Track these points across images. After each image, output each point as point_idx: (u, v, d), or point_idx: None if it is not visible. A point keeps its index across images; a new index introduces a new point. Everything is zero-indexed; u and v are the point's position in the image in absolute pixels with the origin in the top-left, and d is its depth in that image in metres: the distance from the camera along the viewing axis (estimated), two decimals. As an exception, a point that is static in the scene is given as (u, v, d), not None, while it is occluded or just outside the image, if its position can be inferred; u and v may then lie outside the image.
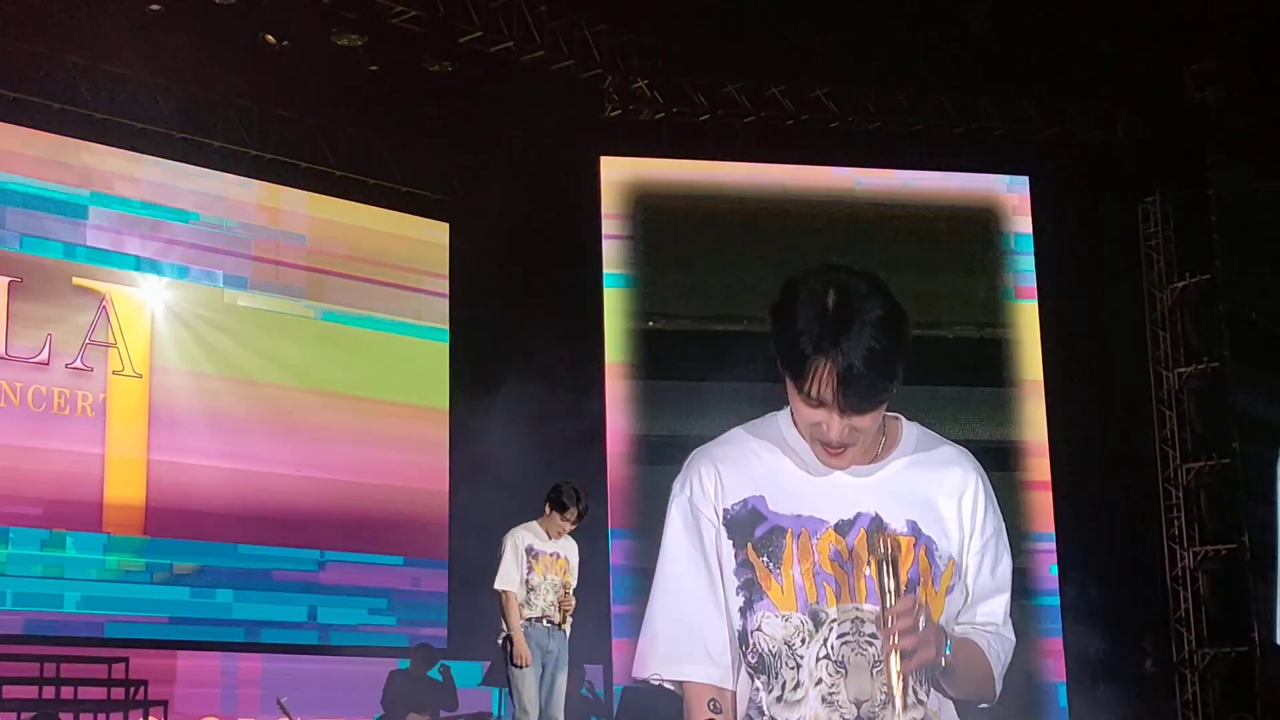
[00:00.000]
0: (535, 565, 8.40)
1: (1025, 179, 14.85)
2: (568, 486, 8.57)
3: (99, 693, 11.71)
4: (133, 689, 11.77)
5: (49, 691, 11.52)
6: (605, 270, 13.96)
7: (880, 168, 14.71)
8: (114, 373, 12.47)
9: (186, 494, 12.54)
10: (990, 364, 14.45)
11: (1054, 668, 13.88)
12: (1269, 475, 14.78)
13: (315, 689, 12.01)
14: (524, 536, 8.44)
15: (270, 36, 12.31)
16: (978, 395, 14.32)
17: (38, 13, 11.61)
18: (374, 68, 12.78)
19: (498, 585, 8.31)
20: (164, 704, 11.75)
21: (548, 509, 8.52)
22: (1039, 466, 14.29)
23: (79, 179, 12.51)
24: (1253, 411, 14.72)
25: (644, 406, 13.70)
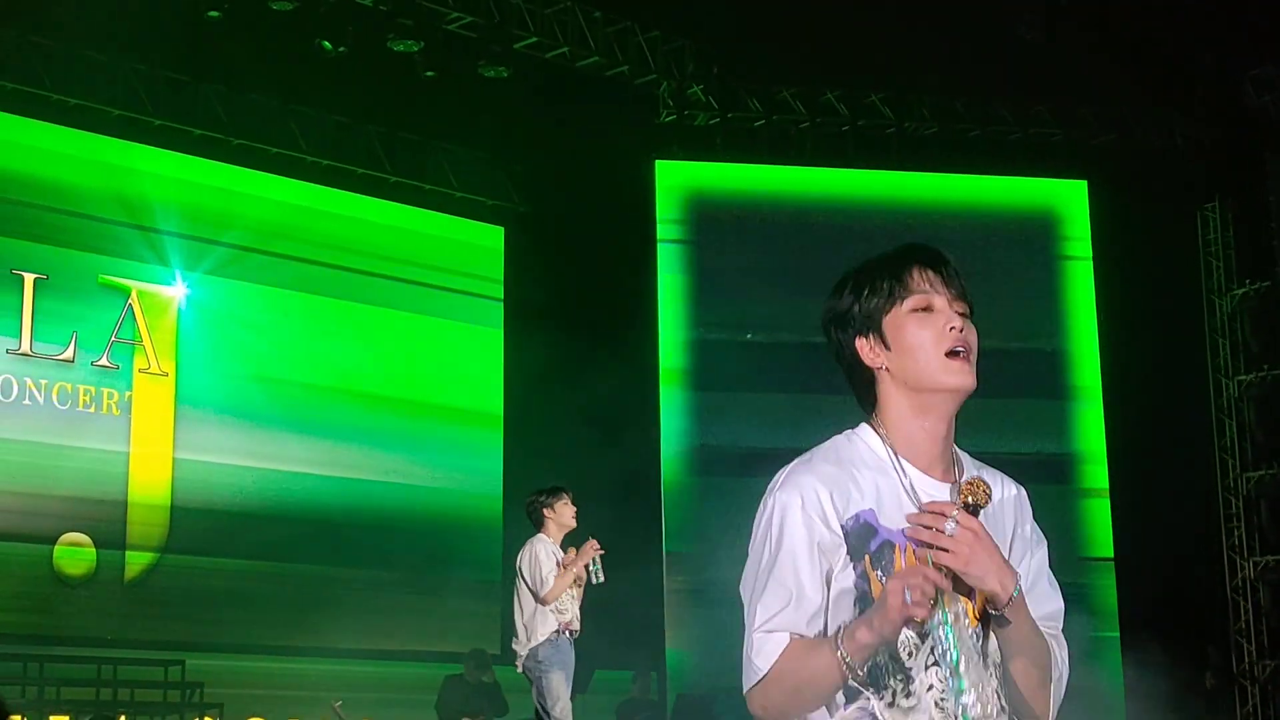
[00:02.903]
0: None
1: (1084, 185, 14.71)
2: (540, 491, 8.42)
3: (156, 694, 11.81)
4: (189, 691, 11.85)
5: (106, 693, 11.63)
6: (660, 275, 13.92)
7: (937, 173, 14.60)
8: (140, 371, 12.47)
9: (212, 493, 12.57)
10: (1047, 373, 14.32)
11: (1113, 679, 13.73)
12: (1332, 485, 14.58)
13: (370, 693, 12.04)
14: (551, 549, 8.22)
15: (326, 43, 12.37)
16: (1033, 406, 14.17)
17: (95, 20, 11.71)
18: (430, 74, 12.83)
19: (546, 595, 8.08)
20: (220, 706, 11.82)
21: (545, 515, 8.30)
22: (1097, 475, 14.15)
23: (116, 179, 12.51)
24: (1315, 420, 14.52)
25: (700, 415, 13.66)
